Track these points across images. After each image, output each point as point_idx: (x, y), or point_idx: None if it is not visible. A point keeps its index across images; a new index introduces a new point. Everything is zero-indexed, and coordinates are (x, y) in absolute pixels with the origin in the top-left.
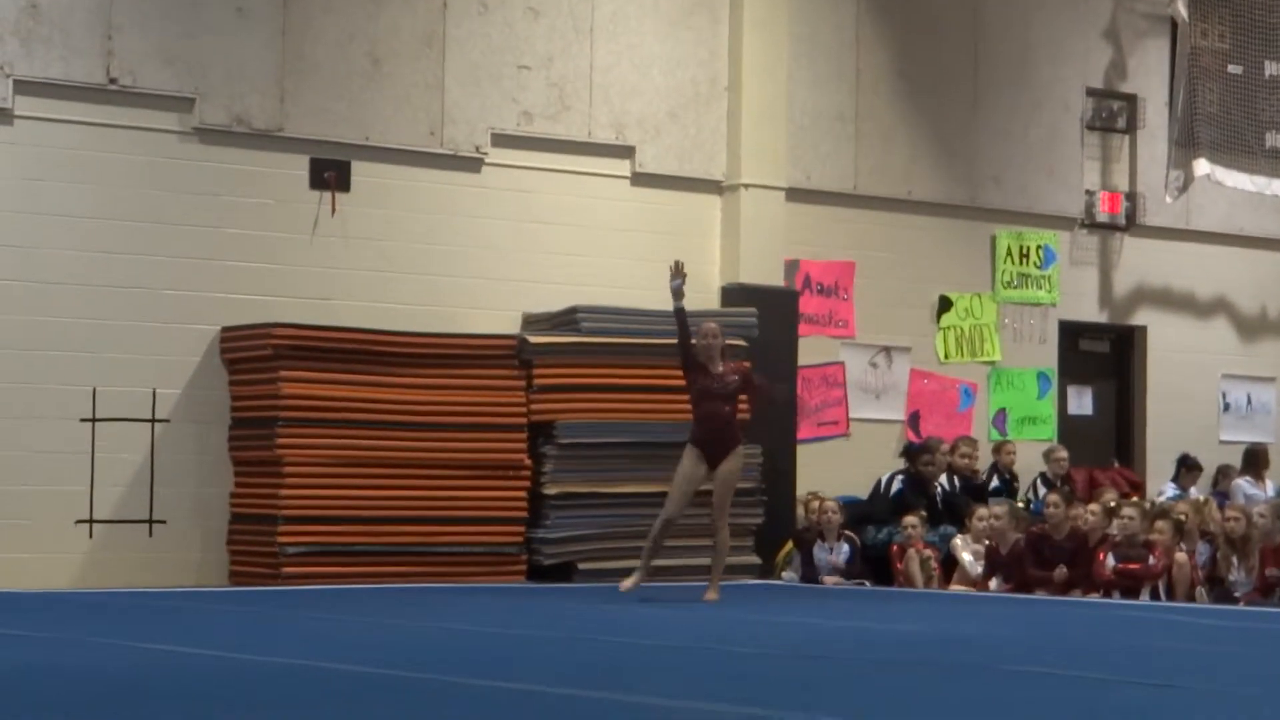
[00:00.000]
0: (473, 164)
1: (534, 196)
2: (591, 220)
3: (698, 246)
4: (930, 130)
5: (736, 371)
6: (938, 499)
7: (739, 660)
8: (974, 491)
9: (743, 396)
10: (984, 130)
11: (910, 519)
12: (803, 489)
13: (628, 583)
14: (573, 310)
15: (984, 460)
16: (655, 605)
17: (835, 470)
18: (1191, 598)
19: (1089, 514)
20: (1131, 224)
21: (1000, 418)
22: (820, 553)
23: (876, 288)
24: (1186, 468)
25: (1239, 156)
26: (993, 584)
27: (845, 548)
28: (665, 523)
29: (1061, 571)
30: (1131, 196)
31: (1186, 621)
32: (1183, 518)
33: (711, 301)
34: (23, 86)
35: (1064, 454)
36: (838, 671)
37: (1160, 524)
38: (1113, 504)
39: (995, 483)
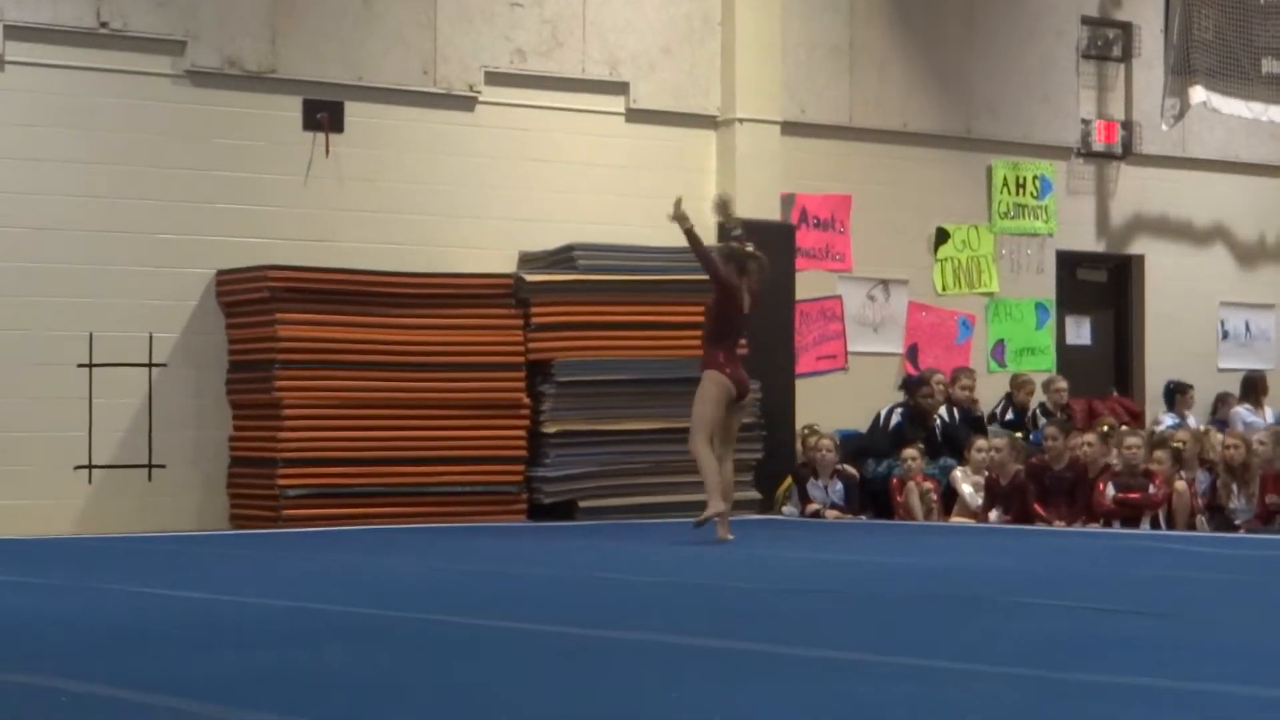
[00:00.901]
0: (466, 103)
1: (528, 135)
2: (586, 158)
3: (693, 182)
4: (925, 61)
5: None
6: (937, 431)
7: (739, 597)
8: (974, 423)
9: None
10: (979, 60)
11: (909, 451)
12: (801, 423)
13: (721, 531)
14: (569, 248)
15: (981, 391)
16: (658, 543)
17: (834, 404)
18: (1192, 526)
19: (1086, 444)
20: (1128, 153)
21: (999, 349)
22: (814, 490)
23: (873, 221)
24: (1179, 393)
25: (1235, 83)
26: (993, 515)
27: (839, 485)
28: (709, 441)
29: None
30: (1128, 125)
31: (1187, 550)
32: (1181, 445)
33: (708, 237)
34: (13, 31)
35: (1063, 384)
36: (837, 606)
37: (1159, 453)
38: (1106, 429)
39: (1010, 416)
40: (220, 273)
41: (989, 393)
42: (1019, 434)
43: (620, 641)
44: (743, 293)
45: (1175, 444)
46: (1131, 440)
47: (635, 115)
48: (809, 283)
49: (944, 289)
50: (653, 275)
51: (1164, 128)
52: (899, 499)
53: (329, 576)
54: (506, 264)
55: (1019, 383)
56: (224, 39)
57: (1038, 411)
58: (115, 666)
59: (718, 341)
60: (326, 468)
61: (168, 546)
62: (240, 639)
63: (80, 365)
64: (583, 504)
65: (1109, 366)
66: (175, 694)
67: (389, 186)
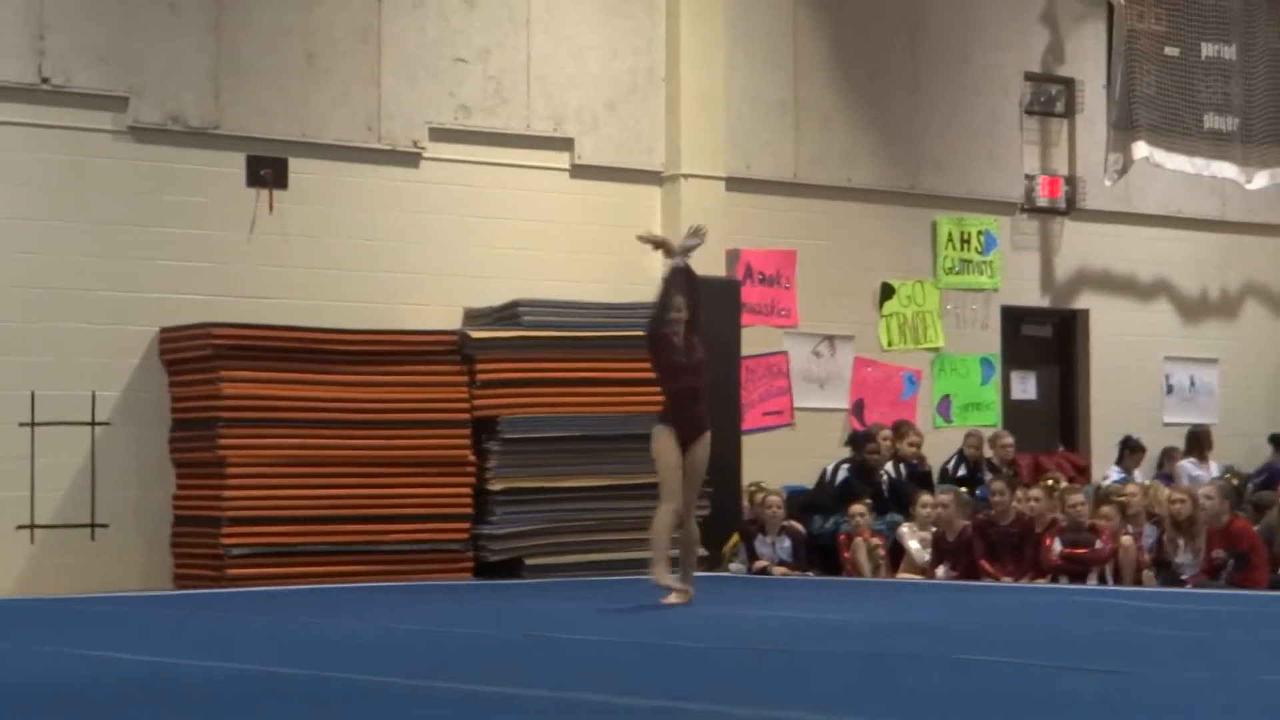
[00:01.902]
0: (411, 159)
1: (473, 190)
2: (531, 213)
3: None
4: (869, 117)
5: (697, 346)
6: (884, 487)
7: (688, 655)
8: (920, 479)
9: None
10: (923, 116)
11: (856, 508)
12: (748, 479)
13: (672, 597)
14: (514, 304)
15: (927, 447)
16: (604, 600)
17: (781, 460)
18: (1139, 581)
19: (1032, 500)
20: (1072, 208)
21: (945, 404)
22: (762, 546)
23: (818, 276)
24: (1130, 450)
25: (1178, 138)
26: (940, 571)
27: (787, 541)
28: (672, 513)
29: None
30: (1071, 180)
31: (1134, 605)
32: (1128, 500)
33: (652, 294)
34: None
35: (1009, 439)
36: (787, 664)
37: (1106, 509)
38: (1050, 484)
39: (962, 472)
40: (163, 330)
41: (935, 448)
42: (964, 489)
43: (563, 701)
44: (669, 332)
45: (1122, 499)
46: (1076, 497)
47: (580, 171)
48: (755, 338)
49: (889, 344)
50: (598, 331)
51: (1107, 183)
52: (846, 555)
53: (273, 637)
54: (451, 320)
55: (972, 438)
56: (167, 95)
57: (984, 466)
58: None
59: (664, 390)
60: (271, 526)
61: (111, 607)
62: (181, 702)
63: (22, 424)
64: (529, 561)
65: (1055, 421)
66: None
67: (333, 243)
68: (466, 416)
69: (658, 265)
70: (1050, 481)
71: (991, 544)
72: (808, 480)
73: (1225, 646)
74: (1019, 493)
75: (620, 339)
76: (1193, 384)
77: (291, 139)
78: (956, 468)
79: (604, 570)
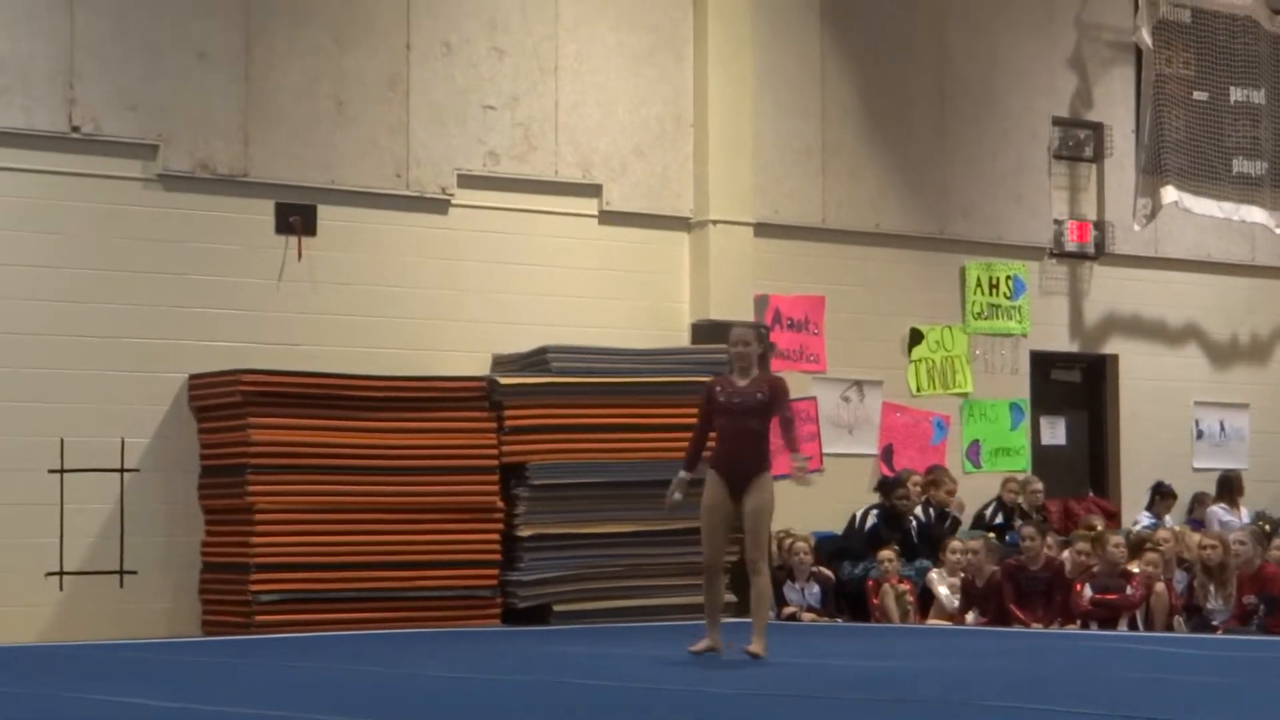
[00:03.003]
0: (439, 205)
1: (502, 237)
2: (560, 260)
3: (667, 283)
4: (897, 163)
5: (765, 383)
6: (913, 532)
7: (716, 702)
8: (951, 525)
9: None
10: (951, 162)
11: (885, 553)
12: (777, 526)
13: (700, 644)
14: (542, 350)
15: (958, 493)
16: (634, 647)
17: (810, 506)
18: (1169, 627)
19: (1080, 553)
20: (1100, 252)
21: (974, 449)
22: (791, 592)
23: (847, 321)
24: (1161, 495)
25: (1206, 183)
26: (969, 617)
27: (815, 588)
28: (709, 571)
29: None
30: (1100, 225)
31: (1165, 651)
32: (1163, 546)
33: (681, 339)
34: None
35: (1039, 485)
36: (814, 711)
37: (1151, 555)
38: (1093, 529)
39: (999, 520)
40: (192, 377)
41: (965, 494)
42: (993, 535)
43: None
44: (717, 395)
45: (1158, 546)
46: (1115, 538)
47: (608, 217)
48: None
49: (918, 390)
50: (626, 377)
51: (1136, 228)
52: (875, 601)
53: (301, 683)
54: (480, 366)
55: (1010, 484)
56: (196, 142)
57: (1017, 513)
58: None
59: (716, 447)
60: (299, 573)
61: (139, 653)
62: None
63: (51, 471)
64: (557, 608)
65: (1084, 466)
66: None
67: (362, 289)
68: (495, 462)
69: (686, 312)
70: (1093, 528)
71: (1021, 589)
72: (837, 526)
73: (1258, 693)
74: (1050, 539)
75: (649, 385)
76: (1223, 429)
77: (320, 186)
78: (995, 514)
79: (632, 617)
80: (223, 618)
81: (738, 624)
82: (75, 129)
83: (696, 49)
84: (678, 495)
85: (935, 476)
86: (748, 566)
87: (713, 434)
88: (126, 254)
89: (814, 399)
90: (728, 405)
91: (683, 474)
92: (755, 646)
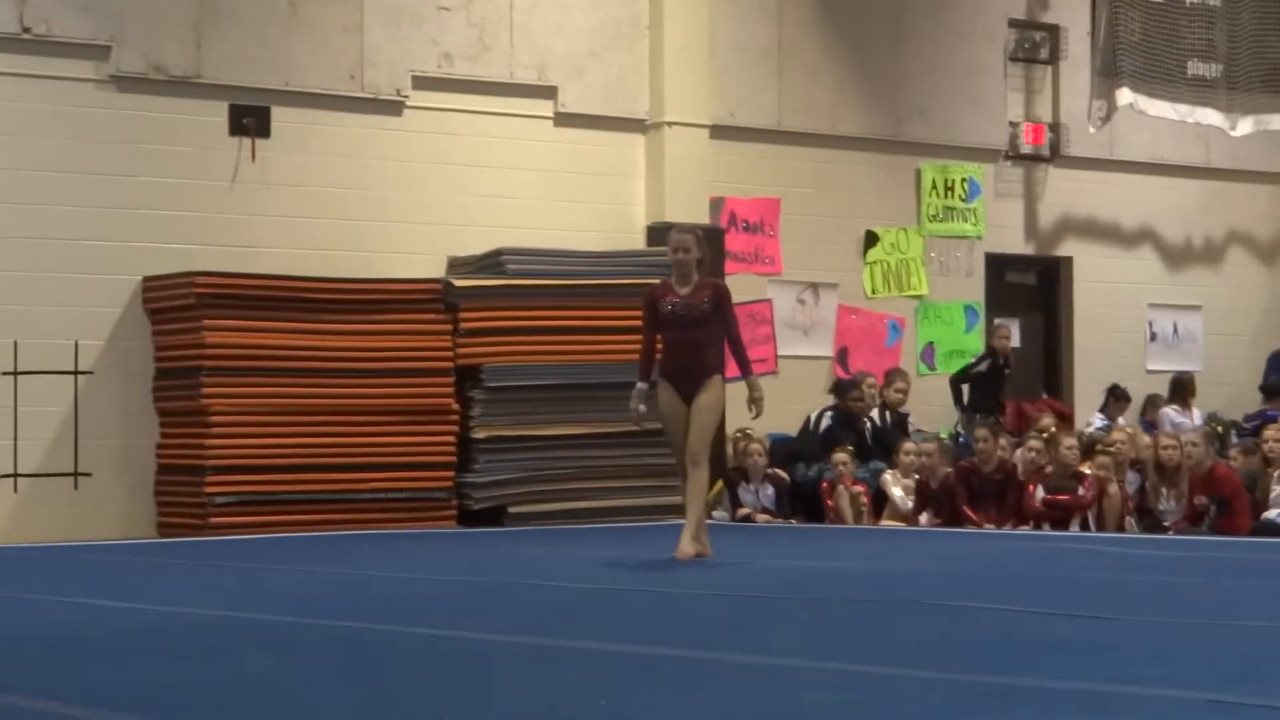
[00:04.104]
0: (394, 107)
1: (456, 139)
2: (515, 162)
3: (622, 186)
4: (855, 64)
5: (708, 290)
6: (867, 434)
7: (670, 602)
8: (905, 427)
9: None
10: (908, 64)
11: (839, 455)
12: (732, 427)
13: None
14: (497, 253)
15: (911, 396)
16: (588, 548)
17: (765, 408)
18: (1121, 528)
19: (1032, 450)
20: (1055, 155)
21: (928, 352)
22: (745, 494)
23: (802, 224)
24: (1115, 397)
25: (1162, 85)
26: (923, 518)
27: (770, 489)
28: (680, 465)
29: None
30: (1055, 127)
31: (1116, 552)
32: (1118, 449)
33: (637, 241)
34: None
35: (1007, 331)
36: (771, 611)
37: (1104, 458)
38: (1048, 434)
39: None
40: (146, 279)
41: (918, 396)
42: (947, 435)
43: (543, 648)
44: (660, 305)
45: (1111, 448)
46: (1069, 440)
47: (564, 119)
48: (738, 286)
49: (873, 292)
50: (582, 280)
51: (1091, 130)
52: (829, 503)
53: (256, 585)
54: (435, 269)
55: (1001, 328)
56: (149, 44)
57: (1007, 361)
58: (36, 677)
59: (664, 356)
60: (254, 475)
61: (95, 555)
62: (165, 649)
63: (5, 373)
64: (512, 510)
65: (1039, 369)
66: (97, 705)
67: (316, 191)
68: (450, 365)
69: (642, 214)
70: (1045, 427)
71: (974, 491)
72: (792, 428)
73: (1208, 591)
74: (1003, 440)
75: (604, 287)
76: (1176, 331)
77: (274, 88)
78: (979, 363)
79: (586, 518)
80: (177, 520)
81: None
82: (27, 30)
83: None
84: (641, 407)
85: (890, 378)
86: (687, 458)
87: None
88: (79, 156)
89: (769, 301)
90: (671, 316)
91: (640, 385)
92: (686, 546)
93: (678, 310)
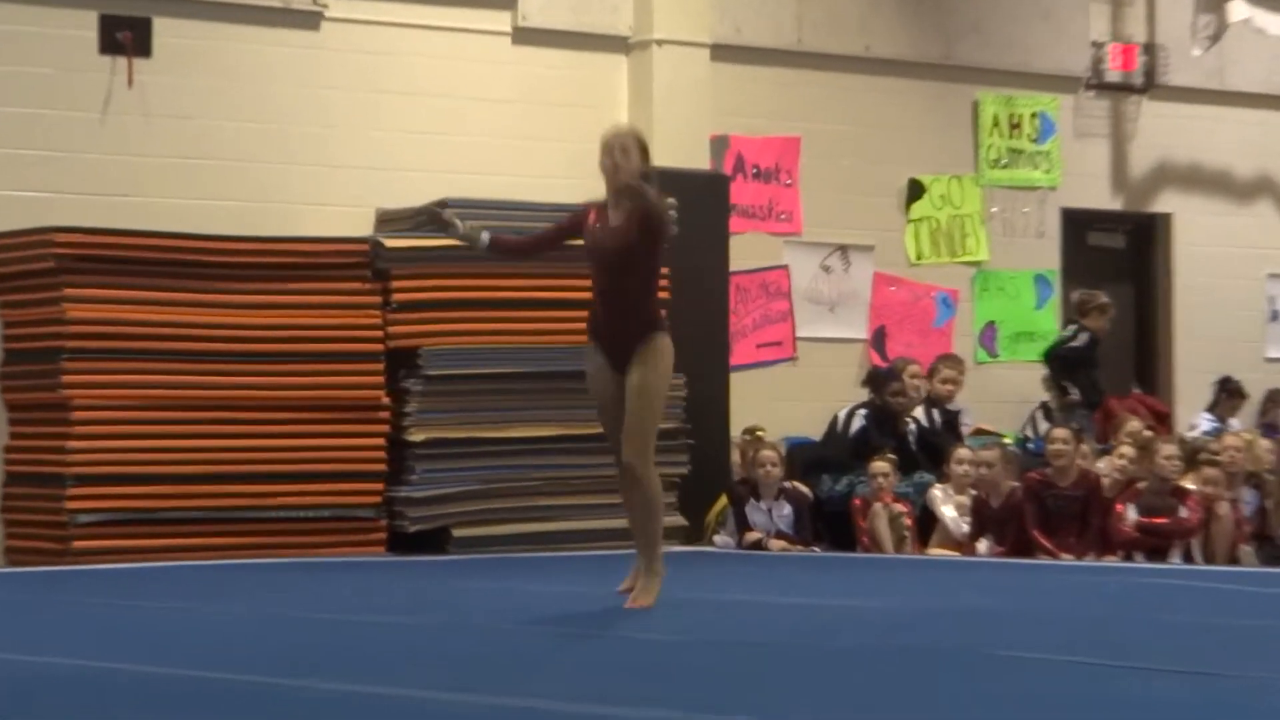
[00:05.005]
0: (308, 19)
1: (388, 60)
2: (463, 90)
3: (598, 120)
4: None
5: (636, 216)
6: (911, 439)
7: (660, 651)
8: (958, 428)
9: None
10: None
11: (876, 465)
12: (737, 429)
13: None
14: (440, 205)
15: (968, 389)
16: (551, 581)
17: (780, 404)
18: (1234, 559)
19: (1122, 460)
20: (1151, 84)
21: (989, 333)
22: (755, 514)
23: (828, 170)
24: (1227, 393)
25: None
26: (982, 545)
27: (787, 507)
28: (622, 481)
29: None
30: (1150, 49)
31: (1230, 589)
32: (1227, 459)
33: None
34: None
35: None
36: (782, 662)
37: (1208, 471)
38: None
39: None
40: None
41: (976, 389)
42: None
43: (495, 709)
44: (587, 230)
45: (1222, 458)
46: (1168, 449)
47: (524, 36)
48: (747, 249)
49: (919, 257)
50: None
51: (1196, 52)
52: (862, 525)
53: (130, 626)
54: (360, 225)
55: (1098, 305)
56: None
57: (1037, 413)
58: None
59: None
60: (129, 486)
61: None
62: (12, 708)
63: None
64: (457, 533)
65: (1128, 356)
66: None
67: (209, 125)
68: (379, 348)
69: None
70: (1137, 431)
71: (1048, 511)
72: (814, 430)
73: None
74: (1085, 447)
75: (576, 249)
76: None
77: None
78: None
79: (551, 544)
80: (31, 543)
81: (685, 553)
82: None
83: None
84: (458, 224)
85: (934, 366)
86: (624, 468)
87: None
88: None
89: (785, 268)
90: (595, 248)
91: (485, 236)
92: (642, 598)
93: (603, 242)
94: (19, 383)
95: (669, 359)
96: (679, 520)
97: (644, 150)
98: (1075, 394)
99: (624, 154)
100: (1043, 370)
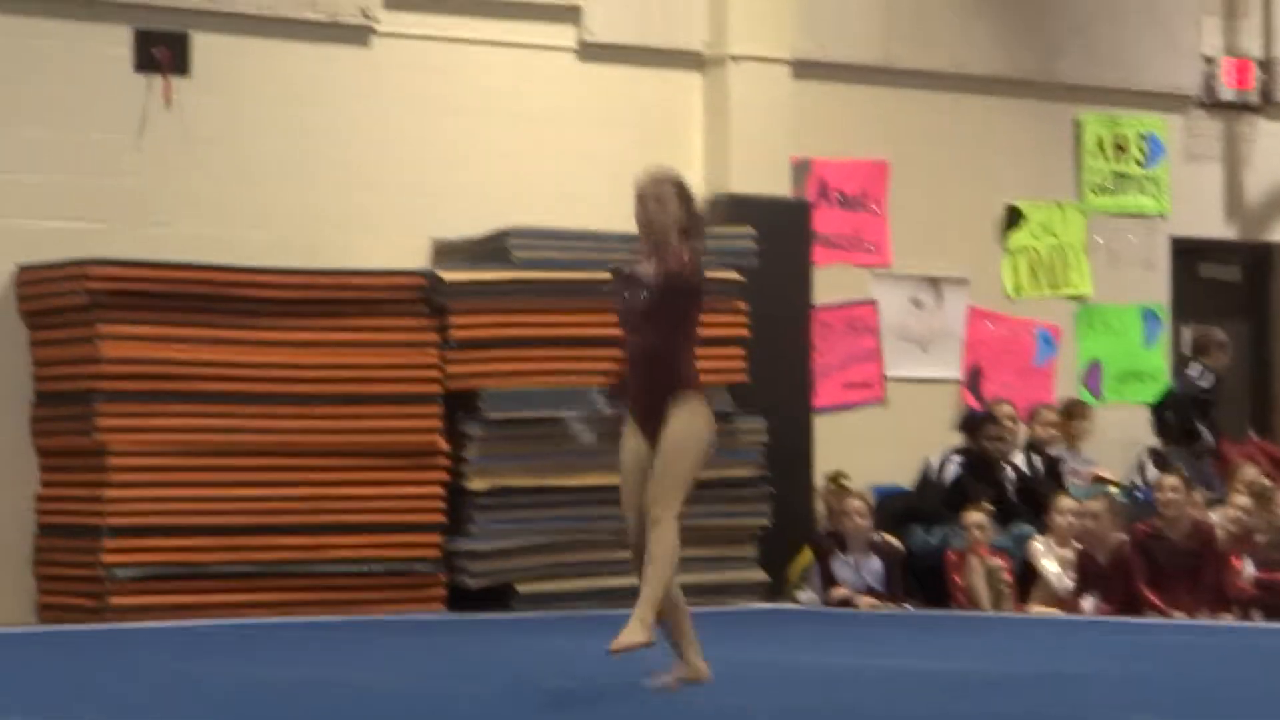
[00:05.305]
0: (358, 34)
1: (444, 78)
2: (525, 109)
3: (671, 143)
4: None
5: (663, 269)
6: (1009, 487)
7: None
8: (1061, 476)
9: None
10: None
11: (973, 515)
12: (822, 476)
13: (662, 678)
14: (501, 235)
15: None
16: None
17: (867, 449)
18: None
19: (1239, 510)
20: (1267, 102)
21: (1093, 372)
22: (842, 568)
23: (918, 197)
24: None
25: None
26: (1087, 603)
27: (876, 562)
28: (634, 560)
29: None
30: (1266, 65)
31: None
32: None
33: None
34: None
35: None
36: None
37: None
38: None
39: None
40: (22, 270)
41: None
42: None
43: None
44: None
45: None
46: None
47: (591, 51)
48: (832, 282)
49: (1017, 291)
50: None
51: None
52: (958, 580)
53: (171, 690)
54: (416, 257)
55: (1208, 342)
56: None
57: (1146, 459)
58: None
59: (695, 352)
60: (170, 539)
61: None
62: None
63: None
64: (522, 588)
65: (1243, 397)
66: None
67: (252, 149)
68: (437, 389)
69: (699, 182)
70: (1254, 479)
71: (1158, 565)
72: (904, 478)
73: None
74: (1197, 495)
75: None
76: None
77: (194, 6)
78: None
79: (624, 600)
80: (65, 600)
81: (766, 610)
82: None
83: None
84: (585, 433)
85: (1035, 409)
86: (643, 516)
87: None
88: None
89: (873, 303)
90: (624, 310)
91: (600, 401)
92: (632, 636)
93: (630, 301)
94: (51, 427)
95: (704, 421)
96: (759, 575)
97: (684, 197)
98: (1209, 439)
99: (659, 205)
100: (1148, 411)
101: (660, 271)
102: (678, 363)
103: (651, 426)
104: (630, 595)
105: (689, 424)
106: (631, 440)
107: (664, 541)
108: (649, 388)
